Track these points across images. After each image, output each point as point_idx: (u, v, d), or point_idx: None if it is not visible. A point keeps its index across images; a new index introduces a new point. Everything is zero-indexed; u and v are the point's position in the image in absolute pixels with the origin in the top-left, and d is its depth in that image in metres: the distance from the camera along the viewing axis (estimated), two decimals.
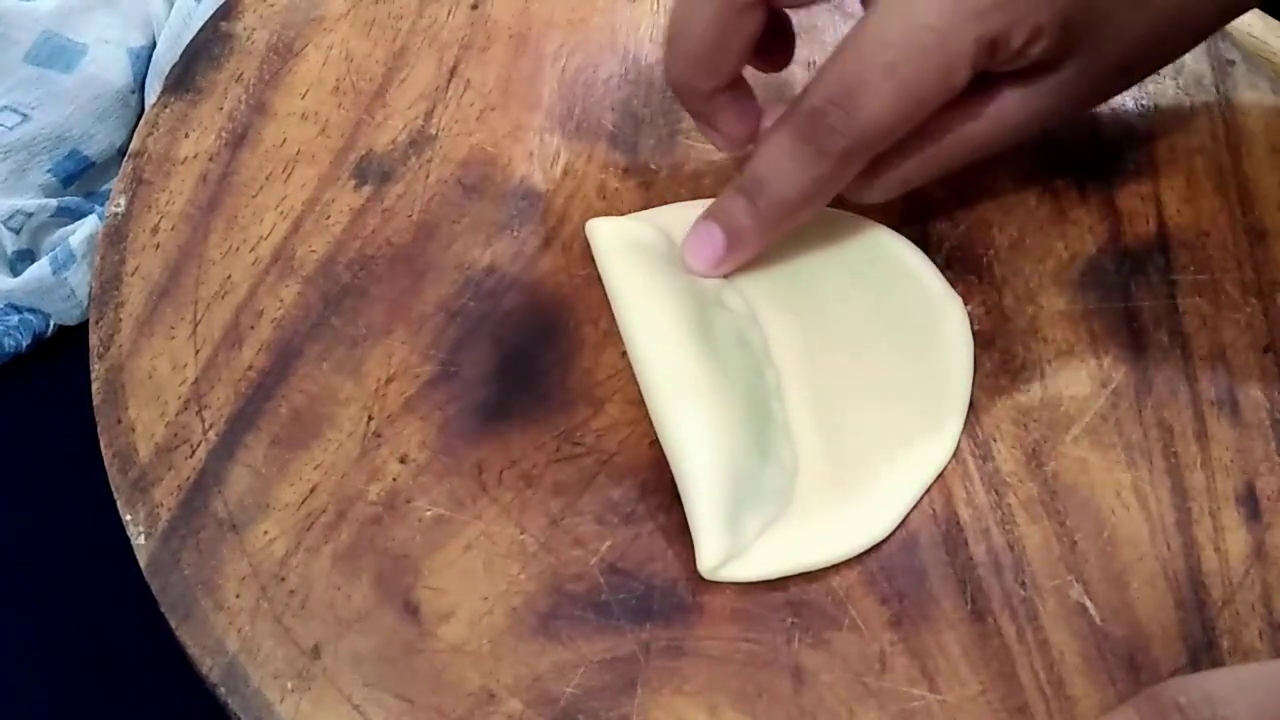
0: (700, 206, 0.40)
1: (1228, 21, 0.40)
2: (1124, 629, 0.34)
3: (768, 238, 0.38)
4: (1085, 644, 0.34)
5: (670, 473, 0.35)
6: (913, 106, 0.34)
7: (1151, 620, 0.34)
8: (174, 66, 0.43)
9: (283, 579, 0.34)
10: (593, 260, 0.39)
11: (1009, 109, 0.36)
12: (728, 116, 0.38)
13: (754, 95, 0.39)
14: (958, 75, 0.34)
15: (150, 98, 0.53)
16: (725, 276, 0.39)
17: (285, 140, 0.42)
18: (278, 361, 0.37)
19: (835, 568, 0.35)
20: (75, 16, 0.52)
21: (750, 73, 0.39)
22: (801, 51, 0.42)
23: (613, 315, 0.38)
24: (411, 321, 0.38)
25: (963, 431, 0.37)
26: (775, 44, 0.40)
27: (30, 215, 0.50)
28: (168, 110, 0.42)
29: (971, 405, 0.38)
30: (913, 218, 0.41)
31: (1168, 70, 0.45)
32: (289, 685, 0.33)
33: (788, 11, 0.40)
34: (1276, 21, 0.51)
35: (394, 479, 0.36)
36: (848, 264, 0.40)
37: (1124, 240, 0.41)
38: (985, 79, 0.35)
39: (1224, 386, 0.38)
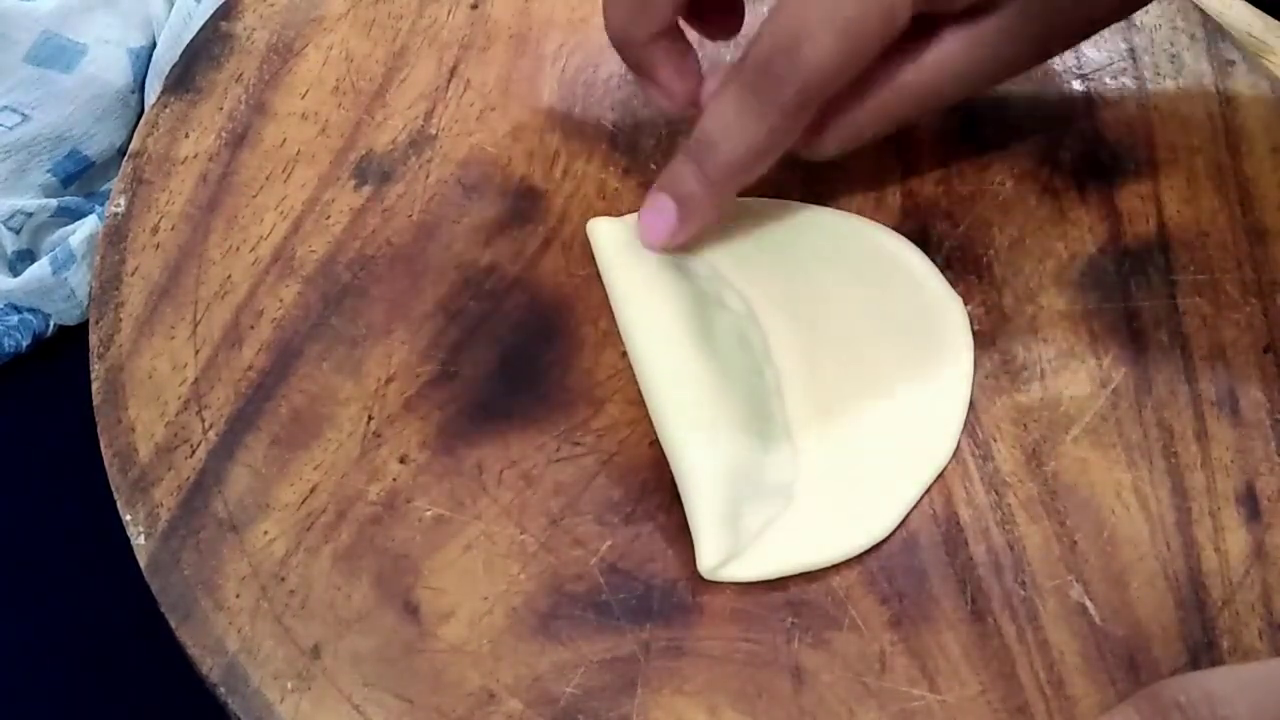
0: None
1: None
2: (1124, 629, 0.34)
3: (720, 201, 0.38)
4: (1085, 644, 0.34)
5: (670, 473, 0.35)
6: (857, 49, 0.34)
7: (1151, 620, 0.34)
8: (174, 66, 0.43)
9: (283, 579, 0.34)
10: (593, 260, 0.39)
11: (952, 55, 0.36)
12: (667, 70, 0.38)
13: (694, 51, 0.39)
14: (899, 16, 0.34)
15: (150, 98, 0.53)
16: (714, 265, 0.39)
17: (285, 140, 0.42)
18: (278, 361, 0.37)
19: (835, 568, 0.35)
20: (75, 16, 0.52)
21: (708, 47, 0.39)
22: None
23: (613, 315, 0.38)
24: (411, 321, 0.38)
25: (963, 431, 0.37)
26: (723, 7, 0.40)
27: (30, 215, 0.50)
28: (168, 110, 0.42)
29: (971, 405, 0.38)
30: (913, 218, 0.41)
31: (1167, 70, 0.45)
32: (289, 685, 0.33)
33: None
34: (1276, 21, 0.51)
35: (394, 479, 0.36)
36: (848, 264, 0.40)
37: (1124, 240, 0.41)
38: (928, 25, 0.36)
39: (1224, 386, 0.38)
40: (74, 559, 0.47)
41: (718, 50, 0.43)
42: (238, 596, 0.34)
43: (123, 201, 0.40)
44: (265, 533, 0.35)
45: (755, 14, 0.41)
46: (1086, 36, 0.41)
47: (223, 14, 0.44)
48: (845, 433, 0.37)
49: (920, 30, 0.36)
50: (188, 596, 0.34)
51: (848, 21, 0.34)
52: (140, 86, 0.53)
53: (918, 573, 0.35)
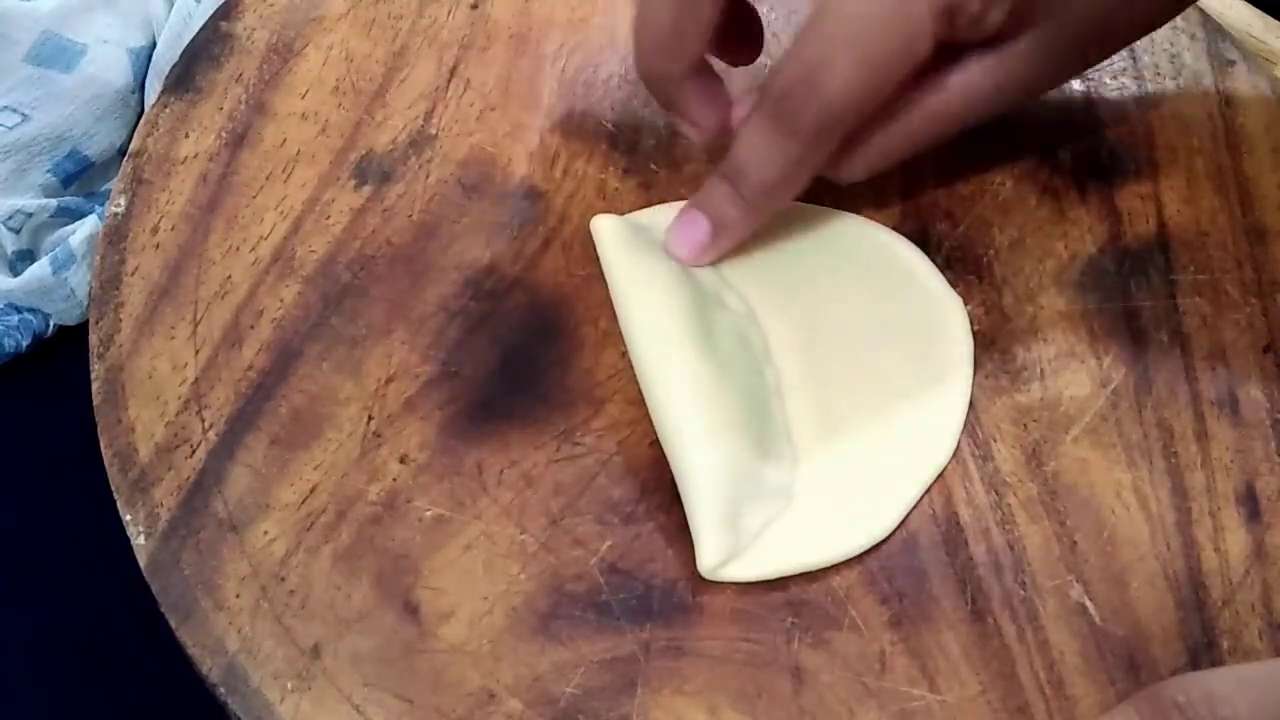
0: None
1: (1185, 7, 0.41)
2: (1124, 629, 0.34)
3: (753, 223, 0.39)
4: (1085, 644, 0.34)
5: (670, 473, 0.35)
6: (878, 79, 0.35)
7: (1151, 620, 0.34)
8: (174, 66, 0.43)
9: (283, 579, 0.34)
10: (593, 260, 0.39)
11: (975, 81, 0.37)
12: (697, 103, 0.39)
13: (722, 82, 0.39)
14: (920, 45, 0.34)
15: (150, 98, 0.53)
16: (714, 265, 0.39)
17: (285, 140, 0.42)
18: (278, 361, 0.37)
19: (835, 568, 0.35)
20: (75, 16, 0.52)
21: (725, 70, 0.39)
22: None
23: (613, 315, 0.38)
24: (411, 321, 0.38)
25: (963, 431, 0.37)
26: (744, 35, 0.40)
27: (30, 215, 0.50)
28: (168, 110, 0.42)
29: (971, 405, 0.38)
30: (913, 218, 0.41)
31: (1167, 70, 0.45)
32: (289, 685, 0.33)
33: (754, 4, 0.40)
34: (1276, 21, 0.51)
35: (394, 479, 0.36)
36: (848, 264, 0.40)
37: (1124, 240, 0.41)
38: (951, 52, 0.36)
39: (1224, 386, 0.38)
40: (74, 559, 0.47)
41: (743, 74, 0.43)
42: (238, 596, 0.34)
43: (123, 201, 0.40)
44: (265, 533, 0.35)
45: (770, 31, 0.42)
46: (1110, 55, 0.41)
47: (223, 14, 0.44)
48: (845, 433, 0.37)
49: (944, 56, 0.36)
50: (188, 596, 0.34)
51: (868, 52, 0.34)
52: (140, 86, 0.53)
53: (918, 573, 0.35)
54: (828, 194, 0.41)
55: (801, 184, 0.38)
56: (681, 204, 0.41)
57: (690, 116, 0.39)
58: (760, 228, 0.40)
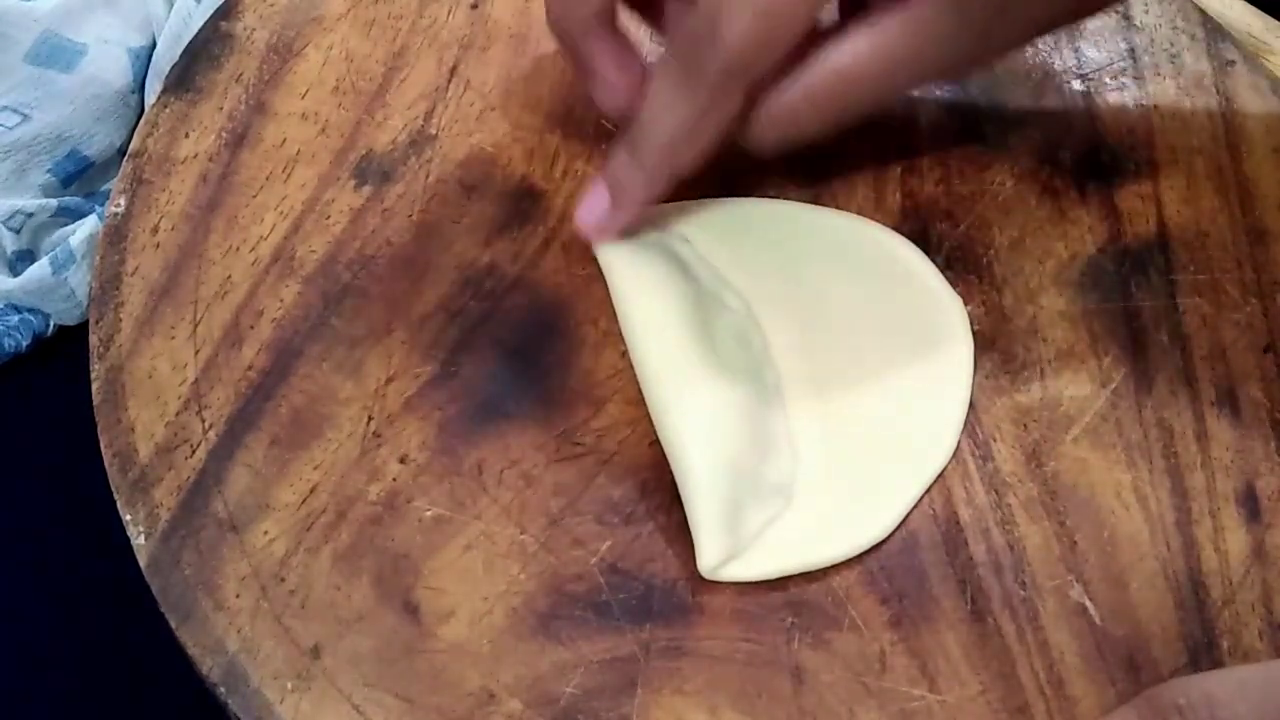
0: (700, 206, 0.40)
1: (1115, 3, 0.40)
2: (1124, 629, 0.34)
3: (652, 189, 0.38)
4: (1085, 644, 0.34)
5: (670, 473, 0.35)
6: (775, 28, 0.34)
7: (1151, 620, 0.34)
8: (174, 66, 0.43)
9: (283, 579, 0.34)
10: (593, 260, 0.39)
11: (887, 42, 0.35)
12: (605, 60, 0.38)
13: (634, 47, 0.39)
14: None
15: (150, 98, 0.53)
16: (714, 265, 0.39)
17: (285, 140, 0.42)
18: (278, 361, 0.37)
19: (835, 568, 0.35)
20: (75, 16, 0.52)
21: None
22: None
23: (613, 315, 0.38)
24: (411, 321, 0.38)
25: (963, 431, 0.37)
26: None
27: (30, 215, 0.50)
28: (168, 110, 0.42)
29: (971, 405, 0.38)
30: (913, 218, 0.41)
31: (1167, 70, 0.45)
32: (289, 685, 0.33)
33: None
34: (1276, 21, 0.51)
35: (394, 479, 0.36)
36: (848, 264, 0.40)
37: (1124, 240, 0.41)
38: (864, 10, 0.35)
39: (1224, 386, 0.38)
40: (74, 559, 0.47)
41: None
42: (238, 596, 0.34)
43: (123, 201, 0.40)
44: (265, 533, 0.35)
45: None
46: (1032, 37, 0.40)
47: (223, 14, 0.44)
48: (845, 433, 0.37)
49: (858, 14, 0.35)
50: (188, 596, 0.34)
51: (767, 1, 0.34)
52: (140, 86, 0.53)
53: (918, 573, 0.35)
54: (828, 194, 0.41)
55: (705, 142, 0.36)
56: (682, 203, 0.41)
57: (598, 74, 0.38)
58: (759, 229, 0.40)
